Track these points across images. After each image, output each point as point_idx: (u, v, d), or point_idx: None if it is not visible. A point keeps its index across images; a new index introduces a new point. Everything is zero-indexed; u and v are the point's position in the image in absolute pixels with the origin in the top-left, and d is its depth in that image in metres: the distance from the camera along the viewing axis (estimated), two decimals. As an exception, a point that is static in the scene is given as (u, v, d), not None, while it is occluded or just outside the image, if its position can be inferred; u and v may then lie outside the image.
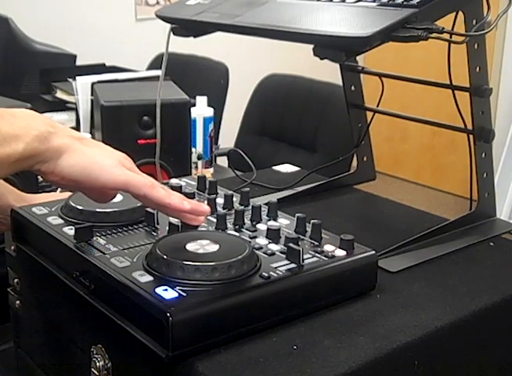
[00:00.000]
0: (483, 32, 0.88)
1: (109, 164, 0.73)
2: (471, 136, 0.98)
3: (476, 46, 0.93)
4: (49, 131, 0.70)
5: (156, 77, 1.25)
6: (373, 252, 0.80)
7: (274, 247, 0.79)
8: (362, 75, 1.15)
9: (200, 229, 0.83)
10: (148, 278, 0.70)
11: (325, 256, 0.77)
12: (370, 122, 1.18)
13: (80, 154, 0.71)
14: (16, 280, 0.96)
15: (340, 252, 0.78)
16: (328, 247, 0.79)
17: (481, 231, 1.00)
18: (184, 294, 0.67)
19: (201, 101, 1.74)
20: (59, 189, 1.17)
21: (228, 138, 2.38)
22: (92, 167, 0.72)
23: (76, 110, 1.88)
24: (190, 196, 0.94)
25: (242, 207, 0.90)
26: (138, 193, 0.74)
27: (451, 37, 0.82)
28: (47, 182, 0.75)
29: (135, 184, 0.73)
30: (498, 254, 0.93)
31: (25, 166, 0.70)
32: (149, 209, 0.84)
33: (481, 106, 0.96)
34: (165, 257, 0.71)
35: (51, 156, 0.70)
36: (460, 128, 1.00)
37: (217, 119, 1.97)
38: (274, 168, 1.33)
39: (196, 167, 1.66)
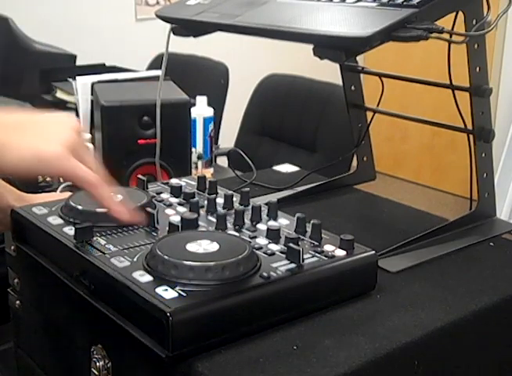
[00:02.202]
0: (483, 32, 0.88)
1: (52, 155, 0.68)
2: (471, 136, 0.98)
3: (476, 46, 0.93)
4: None
5: (156, 77, 1.25)
6: (373, 252, 0.80)
7: (274, 247, 0.79)
8: (362, 75, 1.15)
9: (199, 229, 0.83)
10: (148, 278, 0.70)
11: (325, 256, 0.77)
12: (370, 122, 1.18)
13: (18, 148, 0.67)
14: (16, 280, 0.96)
15: (340, 252, 0.78)
16: (328, 247, 0.79)
17: (481, 231, 1.00)
18: (184, 295, 0.67)
19: (201, 101, 1.74)
20: (59, 189, 1.17)
21: (228, 138, 2.38)
22: (32, 163, 0.68)
23: (76, 110, 1.88)
24: (190, 196, 0.94)
25: (242, 207, 0.90)
26: (82, 188, 0.72)
27: (451, 37, 0.83)
28: (46, 182, 0.75)
29: (81, 180, 0.70)
30: (498, 254, 0.93)
31: None
32: (149, 209, 0.84)
33: (481, 106, 0.96)
34: (165, 257, 0.71)
35: None
36: (460, 128, 1.00)
37: (217, 119, 1.97)
38: (274, 168, 1.33)
39: (196, 167, 1.66)
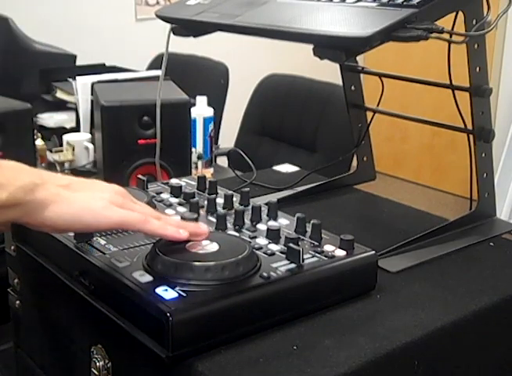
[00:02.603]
0: (483, 32, 0.88)
1: (99, 206, 0.71)
2: (471, 136, 0.98)
3: (476, 46, 0.93)
4: (35, 183, 0.69)
5: (156, 77, 1.25)
6: (373, 252, 0.80)
7: (274, 247, 0.79)
8: (362, 75, 1.15)
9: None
10: (148, 278, 0.70)
11: (325, 256, 0.77)
12: (370, 122, 1.18)
13: (67, 203, 0.70)
14: (16, 280, 0.96)
15: (340, 252, 0.78)
16: (328, 247, 0.79)
17: (481, 231, 1.00)
18: (184, 295, 0.67)
19: (201, 101, 1.74)
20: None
21: (228, 138, 2.38)
22: (82, 213, 0.71)
23: (76, 110, 1.89)
24: (190, 196, 0.94)
25: (242, 207, 0.90)
26: (134, 229, 0.75)
27: (451, 37, 0.82)
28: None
29: (129, 223, 0.73)
30: (498, 254, 0.93)
31: (10, 216, 0.69)
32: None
33: (481, 106, 0.96)
34: (165, 257, 0.71)
35: (36, 207, 0.69)
36: (460, 128, 1.00)
37: (217, 119, 1.97)
38: (274, 168, 1.33)
39: (196, 167, 1.66)
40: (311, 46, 0.82)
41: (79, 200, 0.71)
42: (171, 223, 0.76)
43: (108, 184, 0.77)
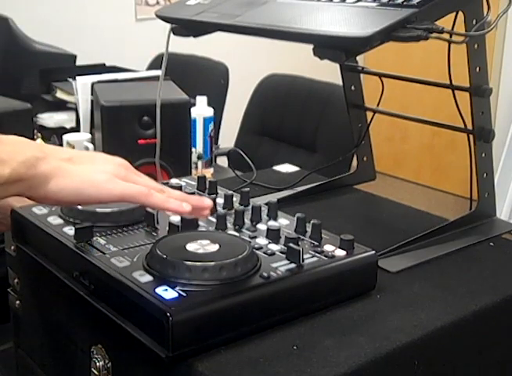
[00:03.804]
0: (483, 32, 0.88)
1: (101, 179, 0.72)
2: (471, 136, 0.98)
3: (476, 46, 0.93)
4: (37, 157, 0.69)
5: (156, 77, 1.25)
6: (373, 252, 0.80)
7: (274, 247, 0.79)
8: (362, 75, 1.15)
9: (200, 229, 0.83)
10: (148, 278, 0.70)
11: (325, 256, 0.77)
12: (370, 122, 1.18)
13: (69, 176, 0.71)
14: (16, 280, 0.96)
15: (340, 252, 0.78)
16: (328, 247, 0.79)
17: (481, 231, 1.00)
18: (184, 295, 0.67)
19: (201, 101, 1.74)
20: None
21: (228, 138, 2.38)
22: (83, 186, 0.71)
23: (76, 110, 1.89)
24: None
25: (242, 207, 0.90)
26: (136, 202, 0.74)
27: (451, 37, 0.82)
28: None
29: (130, 195, 0.72)
30: (498, 254, 0.93)
31: (13, 191, 0.70)
32: (149, 209, 0.84)
33: (481, 106, 0.96)
34: (165, 257, 0.71)
35: (39, 181, 0.69)
36: (460, 128, 1.00)
37: (217, 119, 1.97)
38: (274, 168, 1.33)
39: (196, 167, 1.66)
40: (311, 46, 0.82)
41: (81, 174, 0.71)
42: (175, 196, 0.75)
43: (111, 156, 0.77)
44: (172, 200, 0.74)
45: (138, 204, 0.75)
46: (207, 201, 0.77)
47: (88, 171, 0.72)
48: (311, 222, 0.83)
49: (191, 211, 0.74)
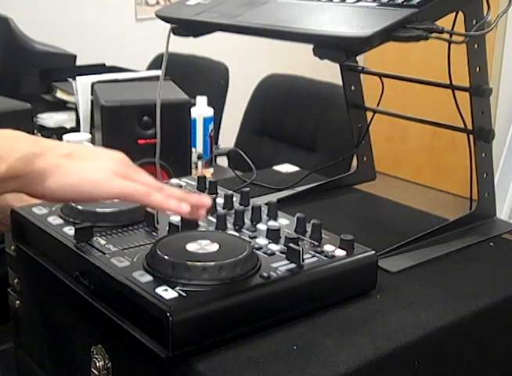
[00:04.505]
0: (483, 32, 0.88)
1: (100, 177, 0.71)
2: (471, 136, 0.98)
3: (476, 46, 0.93)
4: (34, 153, 0.68)
5: (156, 77, 1.25)
6: (373, 252, 0.80)
7: (274, 247, 0.79)
8: (362, 75, 1.15)
9: (200, 229, 0.83)
10: (148, 278, 0.70)
11: (325, 256, 0.77)
12: (370, 122, 1.18)
13: (67, 173, 0.70)
14: (16, 280, 0.96)
15: (340, 252, 0.78)
16: (328, 247, 0.79)
17: (481, 231, 1.00)
18: (184, 295, 0.67)
19: (201, 101, 1.74)
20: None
21: (228, 138, 2.38)
22: (82, 183, 0.70)
23: (76, 110, 1.88)
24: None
25: (242, 207, 0.90)
26: (134, 201, 0.73)
27: (451, 37, 0.82)
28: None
29: (129, 194, 0.71)
30: (498, 254, 0.93)
31: (10, 187, 0.69)
32: (148, 209, 0.84)
33: (481, 106, 0.96)
34: (165, 257, 0.71)
35: (36, 178, 0.68)
36: (460, 128, 1.00)
37: (217, 119, 1.97)
38: (274, 168, 1.33)
39: (196, 167, 1.66)
40: (311, 46, 0.82)
41: (80, 171, 0.70)
42: (174, 195, 0.74)
43: (111, 152, 0.76)
44: (171, 200, 0.73)
45: (137, 203, 0.74)
46: (206, 199, 0.76)
47: (88, 168, 0.71)
48: (311, 222, 0.83)
49: (190, 212, 0.74)
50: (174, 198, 0.74)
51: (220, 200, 0.92)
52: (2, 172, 0.66)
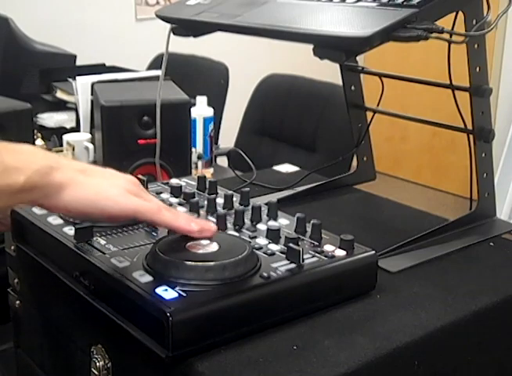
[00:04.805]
0: (483, 32, 0.88)
1: (115, 193, 0.72)
2: (471, 136, 0.98)
3: (476, 46, 0.93)
4: (51, 166, 0.70)
5: (156, 77, 1.25)
6: (373, 252, 0.80)
7: (274, 247, 0.79)
8: (362, 75, 1.15)
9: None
10: (148, 278, 0.70)
11: (325, 256, 0.77)
12: (370, 122, 1.18)
13: (83, 187, 0.71)
14: (16, 280, 0.96)
15: (340, 252, 0.78)
16: (328, 247, 0.79)
17: (481, 231, 1.00)
18: (184, 295, 0.67)
19: (201, 101, 1.74)
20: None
21: (228, 138, 2.38)
22: (97, 198, 0.71)
23: (76, 110, 1.89)
24: (190, 196, 0.94)
25: (242, 207, 0.90)
26: (146, 219, 0.75)
27: (451, 37, 0.82)
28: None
29: (142, 212, 0.73)
30: (498, 254, 0.93)
31: (26, 199, 0.70)
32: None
33: (481, 106, 0.96)
34: (165, 257, 0.71)
35: (52, 190, 0.70)
36: (460, 128, 1.00)
37: (217, 119, 1.97)
38: (274, 168, 1.33)
39: (196, 167, 1.66)
40: (311, 46, 0.82)
41: (95, 186, 0.72)
42: (183, 215, 0.77)
43: (121, 173, 0.78)
44: (181, 218, 0.75)
45: (148, 221, 0.75)
46: (212, 225, 0.78)
47: (103, 184, 0.73)
48: (311, 222, 0.83)
49: (198, 232, 0.75)
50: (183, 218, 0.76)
51: (220, 200, 0.92)
52: (21, 183, 0.68)
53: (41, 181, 0.69)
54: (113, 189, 0.73)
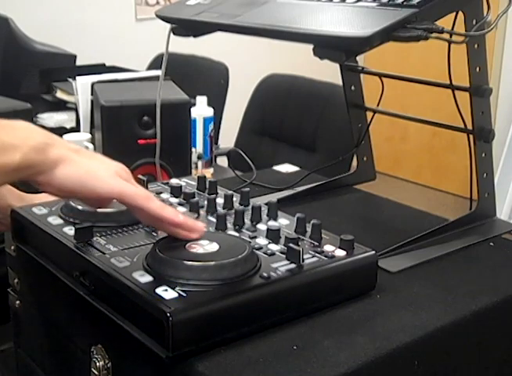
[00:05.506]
0: (483, 32, 0.88)
1: (104, 174, 0.73)
2: (471, 136, 0.98)
3: (476, 46, 0.93)
4: (46, 142, 0.71)
5: (156, 77, 1.25)
6: (373, 252, 0.80)
7: (274, 247, 0.79)
8: (362, 75, 1.15)
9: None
10: (148, 278, 0.70)
11: (325, 256, 0.77)
12: (370, 122, 1.18)
13: (76, 165, 0.72)
14: (16, 280, 0.96)
15: (340, 252, 0.78)
16: (328, 247, 0.79)
17: (481, 231, 1.00)
18: (184, 295, 0.67)
19: (201, 101, 1.74)
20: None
21: (228, 138, 2.38)
22: (87, 177, 0.72)
23: (76, 110, 1.88)
24: (190, 196, 0.94)
25: (242, 207, 0.90)
26: (133, 203, 0.74)
27: (451, 37, 0.82)
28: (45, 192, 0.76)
29: (130, 194, 0.74)
30: (498, 254, 0.93)
31: (22, 176, 0.71)
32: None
33: (481, 106, 0.96)
34: (165, 257, 0.71)
35: (47, 167, 0.71)
36: (460, 128, 1.00)
37: (217, 119, 1.97)
38: (274, 168, 1.33)
39: (196, 167, 1.66)
40: (311, 46, 0.82)
41: (86, 165, 0.73)
42: (170, 208, 0.77)
43: (112, 161, 0.79)
44: (169, 208, 0.76)
45: (135, 206, 0.75)
46: (200, 224, 0.78)
47: (94, 164, 0.74)
48: (311, 222, 0.83)
49: (182, 223, 0.75)
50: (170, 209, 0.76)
51: (220, 200, 0.92)
52: (18, 161, 0.68)
53: (37, 158, 0.70)
54: (104, 171, 0.74)
